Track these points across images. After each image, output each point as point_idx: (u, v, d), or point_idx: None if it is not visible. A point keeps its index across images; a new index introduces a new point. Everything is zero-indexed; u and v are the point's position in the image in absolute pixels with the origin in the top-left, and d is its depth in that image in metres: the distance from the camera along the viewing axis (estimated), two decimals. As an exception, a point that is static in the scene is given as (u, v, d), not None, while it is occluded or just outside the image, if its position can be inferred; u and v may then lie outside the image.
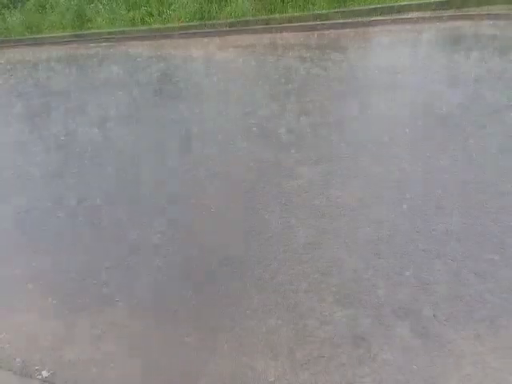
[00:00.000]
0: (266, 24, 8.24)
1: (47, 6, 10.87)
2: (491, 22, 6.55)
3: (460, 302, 1.79)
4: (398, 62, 5.27)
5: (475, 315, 1.72)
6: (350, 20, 7.60)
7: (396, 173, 2.82)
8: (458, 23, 6.73)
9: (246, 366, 1.64)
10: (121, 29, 9.49)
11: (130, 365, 1.75)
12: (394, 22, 7.22)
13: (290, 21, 8.13)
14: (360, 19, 7.52)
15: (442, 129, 3.37)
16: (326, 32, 7.46)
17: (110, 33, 9.55)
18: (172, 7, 9.34)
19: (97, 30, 9.78)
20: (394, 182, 2.72)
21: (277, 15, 8.36)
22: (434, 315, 1.74)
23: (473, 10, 6.99)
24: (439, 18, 6.94)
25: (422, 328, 1.69)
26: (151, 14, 9.60)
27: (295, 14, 8.18)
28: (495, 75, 4.39)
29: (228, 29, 8.40)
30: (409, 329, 1.69)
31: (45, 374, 1.77)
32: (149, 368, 1.71)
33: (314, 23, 7.81)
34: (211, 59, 6.71)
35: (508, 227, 2.20)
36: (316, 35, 7.36)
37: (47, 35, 10.21)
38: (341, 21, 7.65)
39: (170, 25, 9.13)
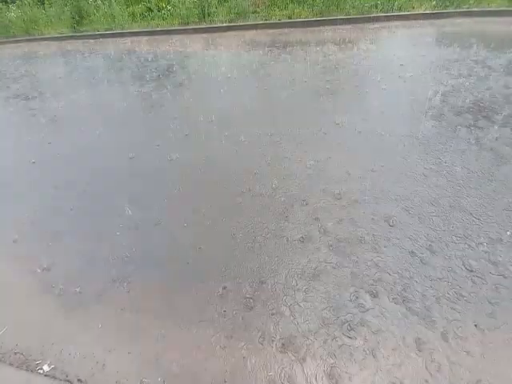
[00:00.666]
0: (266, 20, 8.21)
1: (46, 0, 10.80)
2: (491, 19, 6.56)
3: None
4: (397, 57, 5.28)
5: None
6: (349, 16, 7.57)
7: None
8: (459, 20, 6.73)
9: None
10: (120, 24, 9.43)
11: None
12: (395, 18, 7.20)
13: (289, 17, 8.10)
14: (360, 15, 7.50)
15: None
16: (326, 28, 7.44)
17: (108, 28, 9.50)
18: (171, 3, 9.30)
19: (96, 26, 9.72)
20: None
21: (276, 11, 8.33)
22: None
23: (473, 7, 6.99)
24: (440, 15, 6.94)
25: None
26: (150, 10, 9.56)
27: (295, 10, 8.15)
28: (490, 71, 4.41)
29: (227, 24, 8.35)
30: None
31: (46, 368, 1.79)
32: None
33: (313, 19, 7.77)
34: (211, 54, 6.69)
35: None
36: (316, 31, 7.34)
37: (45, 30, 10.14)
38: (341, 17, 7.63)
39: (169, 20, 9.10)
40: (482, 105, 3.74)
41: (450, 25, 6.58)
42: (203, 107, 4.48)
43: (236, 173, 3.09)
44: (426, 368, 1.61)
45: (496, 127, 3.32)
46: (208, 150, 3.50)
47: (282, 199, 2.71)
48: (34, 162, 3.68)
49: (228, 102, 4.53)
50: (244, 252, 2.30)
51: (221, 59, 6.34)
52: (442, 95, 4.00)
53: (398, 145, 3.22)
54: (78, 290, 2.18)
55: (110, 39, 9.10)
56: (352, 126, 3.61)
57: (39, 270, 2.34)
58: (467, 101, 3.84)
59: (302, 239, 2.33)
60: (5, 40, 10.23)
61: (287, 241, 2.34)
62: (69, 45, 9.09)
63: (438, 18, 6.94)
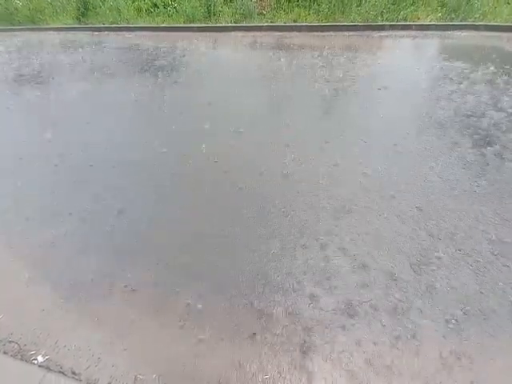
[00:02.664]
0: (271, 22, 8.23)
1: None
2: (496, 34, 6.60)
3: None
4: (397, 66, 5.33)
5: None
6: (354, 23, 7.61)
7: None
8: (464, 33, 6.77)
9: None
10: (125, 18, 9.41)
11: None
12: (400, 27, 7.24)
13: (295, 20, 8.12)
14: (365, 23, 7.54)
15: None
16: (330, 34, 7.48)
17: (113, 21, 9.47)
18: (177, 0, 9.28)
19: (101, 18, 9.69)
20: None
21: (282, 14, 8.35)
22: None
23: (479, 21, 7.03)
24: (445, 27, 6.98)
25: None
26: (156, 6, 9.53)
27: (301, 14, 8.17)
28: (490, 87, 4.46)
29: (233, 25, 8.36)
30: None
31: (40, 359, 1.78)
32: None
33: (318, 24, 7.80)
34: (213, 54, 6.71)
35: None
36: (320, 36, 7.37)
37: (51, 21, 10.08)
38: (345, 23, 7.66)
39: (174, 17, 9.08)
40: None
41: (454, 38, 6.63)
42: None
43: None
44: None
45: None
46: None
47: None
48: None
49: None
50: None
51: (223, 59, 6.37)
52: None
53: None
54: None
55: (114, 33, 9.07)
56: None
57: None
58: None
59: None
60: (10, 27, 10.17)
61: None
62: (72, 36, 9.07)
63: (442, 30, 6.98)
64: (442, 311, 1.89)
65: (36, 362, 1.77)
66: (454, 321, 1.84)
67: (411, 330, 1.81)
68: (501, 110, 3.91)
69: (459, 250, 2.23)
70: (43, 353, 1.81)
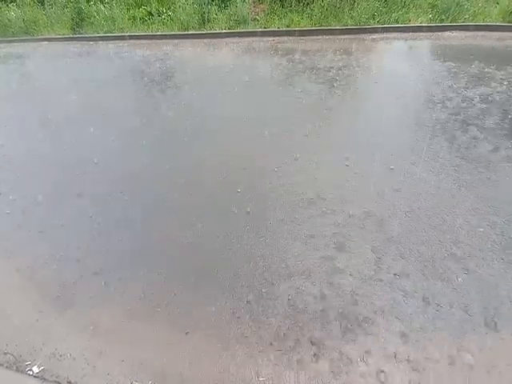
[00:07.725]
0: (265, 28, 8.27)
1: (46, 0, 10.72)
2: (485, 34, 6.67)
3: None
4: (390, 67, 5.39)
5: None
6: (347, 26, 7.66)
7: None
8: (453, 33, 6.83)
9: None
10: (120, 28, 9.45)
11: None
12: (391, 30, 7.30)
13: (288, 25, 8.17)
14: (357, 26, 7.59)
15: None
16: (324, 37, 7.53)
17: (108, 31, 9.51)
18: (172, 8, 9.33)
19: (96, 28, 9.72)
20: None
21: (276, 20, 8.39)
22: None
23: (469, 21, 7.09)
24: (436, 28, 7.04)
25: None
26: (151, 14, 9.57)
27: (294, 19, 8.22)
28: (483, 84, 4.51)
29: (227, 31, 8.40)
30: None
31: (35, 369, 1.78)
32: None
33: (311, 29, 7.85)
34: (208, 60, 6.75)
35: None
36: (314, 40, 7.42)
37: (45, 31, 10.11)
38: (338, 27, 7.71)
39: (169, 25, 9.13)
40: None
41: (444, 38, 6.69)
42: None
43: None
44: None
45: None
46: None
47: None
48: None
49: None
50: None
51: (218, 65, 6.41)
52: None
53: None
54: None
55: (109, 41, 9.12)
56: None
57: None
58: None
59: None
60: (4, 39, 10.19)
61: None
62: (67, 46, 9.12)
63: (432, 31, 7.04)
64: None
65: (31, 372, 1.77)
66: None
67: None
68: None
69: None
70: (39, 363, 1.80)
